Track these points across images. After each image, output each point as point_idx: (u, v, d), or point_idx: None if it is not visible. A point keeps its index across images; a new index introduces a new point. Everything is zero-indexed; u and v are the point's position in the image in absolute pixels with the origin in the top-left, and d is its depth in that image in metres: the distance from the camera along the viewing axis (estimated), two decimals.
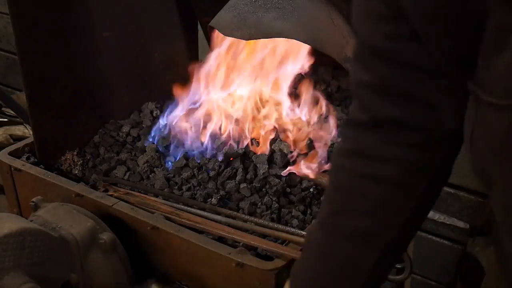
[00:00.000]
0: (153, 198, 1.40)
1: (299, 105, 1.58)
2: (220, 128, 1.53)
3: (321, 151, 1.43)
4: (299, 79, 1.63)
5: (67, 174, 1.51)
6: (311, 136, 1.48)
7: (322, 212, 0.91)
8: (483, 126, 0.64)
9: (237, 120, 1.52)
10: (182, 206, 1.36)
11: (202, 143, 1.50)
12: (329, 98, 1.66)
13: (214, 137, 1.50)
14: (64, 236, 1.21)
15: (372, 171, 0.80)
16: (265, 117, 1.55)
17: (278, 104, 1.58)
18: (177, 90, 1.61)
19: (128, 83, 1.73)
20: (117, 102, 1.71)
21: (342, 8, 1.49)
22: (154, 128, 1.61)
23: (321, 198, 1.38)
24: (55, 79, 1.51)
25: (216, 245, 1.21)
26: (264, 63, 1.57)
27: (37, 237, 1.14)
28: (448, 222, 1.22)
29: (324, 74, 1.81)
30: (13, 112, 2.38)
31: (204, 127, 1.53)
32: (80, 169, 1.54)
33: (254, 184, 1.38)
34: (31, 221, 1.24)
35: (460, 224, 1.22)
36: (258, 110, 1.57)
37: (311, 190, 1.38)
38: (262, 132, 1.50)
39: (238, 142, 1.48)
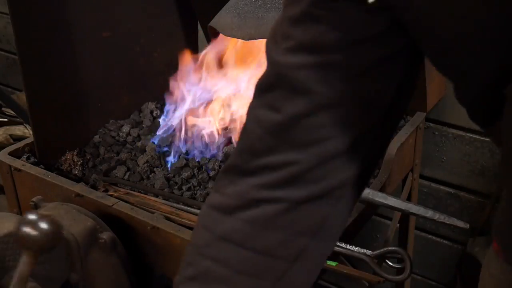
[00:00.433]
0: (153, 198, 1.40)
1: None
2: (220, 128, 1.52)
3: None
4: None
5: (67, 174, 1.51)
6: None
7: None
8: None
9: (237, 120, 1.52)
10: (182, 206, 1.36)
11: (202, 143, 1.50)
12: None
13: (214, 137, 1.50)
14: (64, 235, 1.20)
15: None
16: None
17: None
18: (176, 90, 1.61)
19: (128, 83, 1.73)
20: (117, 102, 1.71)
21: None
22: (159, 129, 1.60)
23: None
24: (55, 79, 1.51)
25: None
26: (264, 63, 1.56)
27: None
28: (448, 222, 1.21)
29: None
30: (13, 112, 2.38)
31: (204, 127, 1.53)
32: (80, 169, 1.54)
33: None
34: None
35: (460, 224, 1.21)
36: None
37: None
38: None
39: None
